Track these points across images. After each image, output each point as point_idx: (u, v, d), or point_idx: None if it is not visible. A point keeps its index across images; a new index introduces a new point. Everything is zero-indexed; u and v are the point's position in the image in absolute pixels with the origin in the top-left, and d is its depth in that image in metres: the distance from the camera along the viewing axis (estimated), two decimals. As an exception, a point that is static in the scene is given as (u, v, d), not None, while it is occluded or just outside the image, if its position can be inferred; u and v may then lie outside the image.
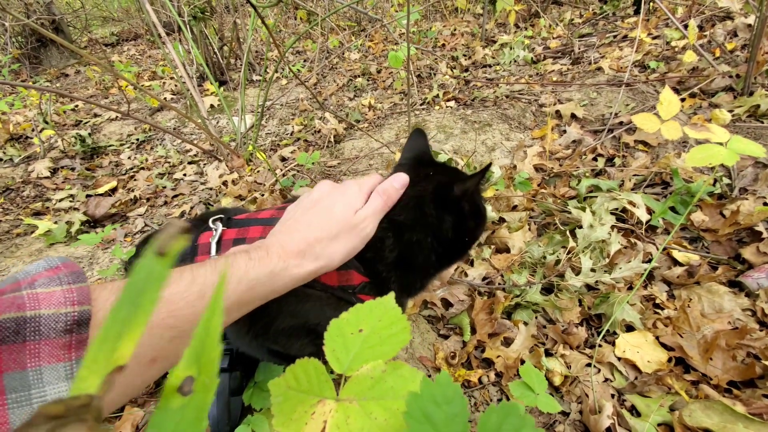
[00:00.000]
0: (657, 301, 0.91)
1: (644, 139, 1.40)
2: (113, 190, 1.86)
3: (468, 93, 2.11)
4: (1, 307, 0.30)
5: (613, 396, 0.77)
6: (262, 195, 1.50)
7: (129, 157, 2.16)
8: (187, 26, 2.15)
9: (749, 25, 1.78)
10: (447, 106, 2.01)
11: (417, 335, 0.93)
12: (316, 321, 0.57)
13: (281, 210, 0.60)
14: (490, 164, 0.57)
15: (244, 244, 0.56)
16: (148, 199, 1.75)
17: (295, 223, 0.51)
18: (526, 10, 3.05)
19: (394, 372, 0.31)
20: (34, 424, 0.08)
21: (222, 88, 2.79)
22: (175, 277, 0.39)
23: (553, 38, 2.58)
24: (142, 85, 3.02)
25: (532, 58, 2.33)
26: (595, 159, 1.40)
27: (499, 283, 1.02)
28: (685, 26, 1.54)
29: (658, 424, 0.70)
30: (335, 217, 0.51)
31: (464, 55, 2.60)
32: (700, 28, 2.03)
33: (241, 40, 3.03)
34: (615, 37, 2.32)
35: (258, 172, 1.71)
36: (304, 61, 3.19)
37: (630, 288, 0.93)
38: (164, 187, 1.81)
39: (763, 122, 1.36)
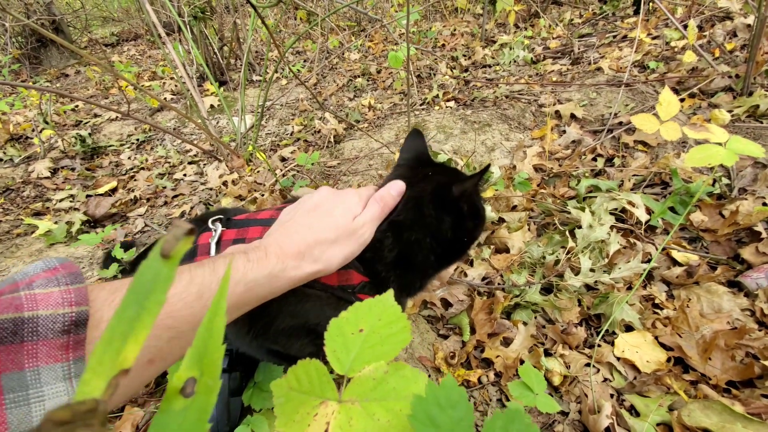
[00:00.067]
0: (656, 301, 0.92)
1: (644, 140, 1.41)
2: (113, 191, 1.86)
3: (468, 93, 2.12)
4: None
5: (612, 396, 0.77)
6: (262, 195, 1.50)
7: (129, 158, 2.16)
8: (187, 26, 2.15)
9: (749, 26, 1.78)
10: (447, 107, 2.01)
11: (416, 335, 0.93)
12: (316, 321, 0.57)
13: (280, 210, 0.60)
14: (488, 165, 0.57)
15: (243, 244, 0.56)
16: (148, 200, 1.75)
17: (295, 225, 0.52)
18: (526, 10, 3.05)
19: (396, 373, 0.31)
20: (42, 430, 0.08)
21: (222, 89, 2.79)
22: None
23: (553, 38, 2.58)
24: (142, 86, 3.02)
25: (531, 58, 2.33)
26: (594, 159, 1.40)
27: (499, 283, 1.02)
28: (685, 26, 1.54)
29: (657, 424, 0.70)
30: (334, 222, 0.52)
31: (464, 56, 2.60)
32: (700, 28, 2.03)
33: (241, 40, 3.03)
34: (615, 37, 2.32)
35: (258, 172, 1.71)
36: (304, 61, 3.19)
37: (629, 288, 0.93)
38: (164, 188, 1.81)
39: (762, 122, 1.36)
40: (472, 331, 0.92)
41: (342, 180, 1.62)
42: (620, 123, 1.53)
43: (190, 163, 2.02)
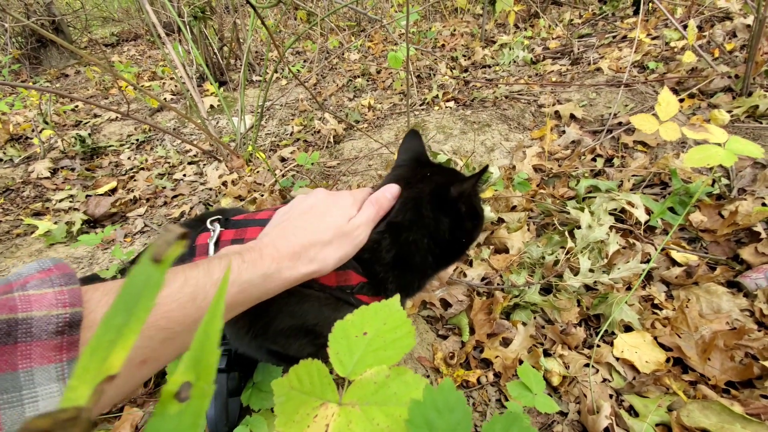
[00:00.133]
0: (655, 302, 0.92)
1: (643, 140, 1.41)
2: (113, 191, 1.86)
3: (467, 93, 2.12)
4: None
5: (611, 396, 0.77)
6: (262, 195, 1.50)
7: (129, 158, 2.16)
8: (187, 27, 2.15)
9: (748, 26, 1.78)
10: (446, 107, 2.01)
11: (416, 335, 0.93)
12: (315, 321, 0.57)
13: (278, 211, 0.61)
14: (486, 166, 0.57)
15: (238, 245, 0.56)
16: (147, 200, 1.75)
17: (290, 227, 0.52)
18: (526, 10, 3.05)
19: (397, 378, 0.31)
20: None
21: (222, 89, 2.79)
22: (167, 279, 0.39)
23: (553, 39, 2.58)
24: (142, 86, 3.02)
25: (531, 58, 2.33)
26: (594, 159, 1.40)
27: (498, 284, 1.02)
28: (684, 27, 1.54)
29: (656, 425, 0.70)
30: (330, 223, 0.52)
31: (464, 56, 2.60)
32: (699, 28, 2.03)
33: (241, 40, 3.03)
34: (614, 37, 2.32)
35: (257, 172, 1.71)
36: (304, 61, 3.19)
37: (628, 288, 0.93)
38: (164, 188, 1.81)
39: (761, 122, 1.36)
40: (472, 331, 0.92)
41: (341, 180, 1.62)
42: (620, 123, 1.53)
43: (189, 163, 2.02)
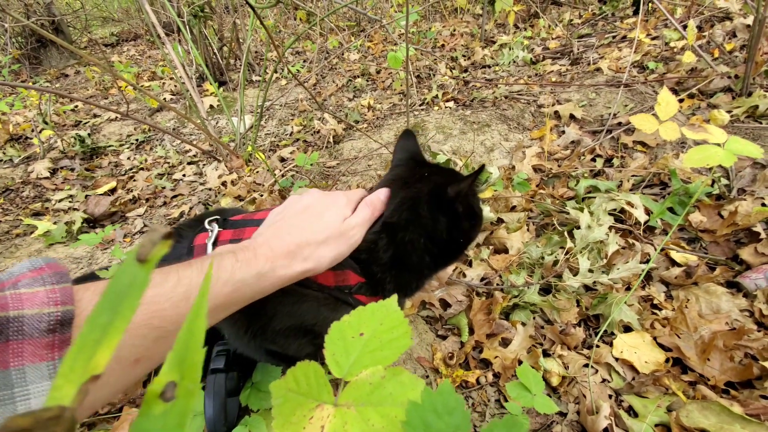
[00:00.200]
0: (655, 302, 0.91)
1: (643, 140, 1.40)
2: (113, 191, 1.86)
3: (467, 93, 2.11)
4: None
5: (610, 396, 0.77)
6: (261, 195, 1.50)
7: (128, 158, 2.16)
8: (187, 27, 2.15)
9: (748, 26, 1.78)
10: (446, 107, 2.01)
11: (415, 336, 0.93)
12: (314, 321, 0.57)
13: None
14: (483, 166, 0.57)
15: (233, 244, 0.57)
16: (147, 200, 1.75)
17: (285, 226, 0.52)
18: (526, 10, 3.05)
19: (393, 378, 0.30)
20: None
21: (221, 89, 2.79)
22: (160, 278, 0.39)
23: (552, 39, 2.58)
24: (142, 86, 3.02)
25: (531, 58, 2.33)
26: (593, 160, 1.40)
27: (498, 284, 1.02)
28: (684, 27, 1.54)
29: (656, 425, 0.70)
30: (325, 223, 0.53)
31: (463, 56, 2.60)
32: (699, 28, 2.03)
33: (241, 40, 3.03)
34: (614, 37, 2.32)
35: (257, 172, 1.71)
36: (304, 61, 3.19)
37: (628, 288, 0.93)
38: (163, 188, 1.81)
39: (761, 123, 1.36)
40: (471, 331, 0.92)
41: (341, 180, 1.62)
42: (619, 123, 1.53)
43: (189, 163, 2.02)
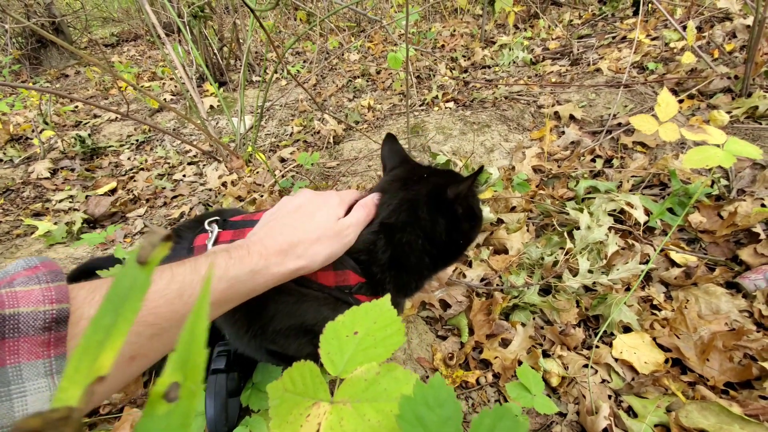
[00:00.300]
0: (654, 303, 0.92)
1: (642, 141, 1.41)
2: (113, 191, 1.86)
3: (467, 94, 2.12)
4: None
5: (610, 397, 0.77)
6: (262, 196, 1.50)
7: (129, 158, 2.17)
8: (187, 27, 2.16)
9: (748, 27, 1.78)
10: (446, 107, 2.01)
11: (415, 336, 0.93)
12: (314, 321, 0.57)
13: None
14: (482, 167, 0.58)
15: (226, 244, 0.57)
16: (147, 200, 1.75)
17: (278, 225, 0.53)
18: (525, 11, 3.05)
19: (387, 374, 0.31)
20: None
21: (221, 89, 2.79)
22: (154, 276, 0.39)
23: (552, 39, 2.58)
24: (142, 86, 3.02)
25: (531, 59, 2.33)
26: (593, 160, 1.40)
27: (497, 285, 1.02)
28: (684, 27, 1.54)
29: (655, 425, 0.70)
30: (316, 222, 0.53)
31: (463, 56, 2.60)
32: (699, 29, 2.03)
33: (241, 41, 3.03)
34: (614, 38, 2.32)
35: (257, 173, 1.71)
36: (304, 61, 3.19)
37: (627, 289, 0.93)
38: (164, 188, 1.81)
39: (761, 123, 1.36)
40: (471, 332, 0.92)
41: (341, 181, 1.62)
42: (619, 124, 1.53)
43: (189, 163, 2.02)
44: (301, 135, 2.07)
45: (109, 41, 5.04)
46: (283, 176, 1.67)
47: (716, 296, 0.88)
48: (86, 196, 1.79)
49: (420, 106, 2.10)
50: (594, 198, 1.14)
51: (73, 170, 2.09)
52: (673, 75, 1.73)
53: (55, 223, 1.57)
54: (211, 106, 2.52)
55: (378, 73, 2.71)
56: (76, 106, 2.86)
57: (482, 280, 1.04)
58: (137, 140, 2.33)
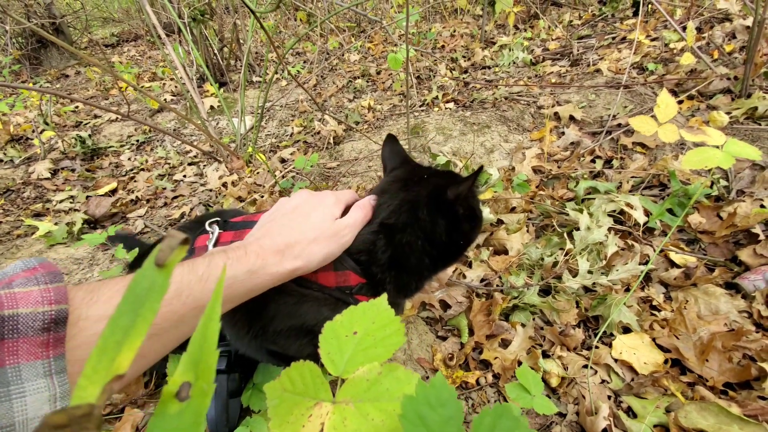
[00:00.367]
0: (654, 303, 0.92)
1: (642, 141, 1.41)
2: (113, 192, 1.86)
3: (467, 94, 2.12)
4: None
5: (609, 397, 0.78)
6: (262, 197, 1.51)
7: (129, 159, 2.17)
8: (187, 28, 2.16)
9: (748, 27, 1.79)
10: (446, 108, 2.02)
11: (415, 337, 0.94)
12: (314, 322, 0.57)
13: None
14: (481, 167, 0.58)
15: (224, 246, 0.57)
16: (148, 201, 1.75)
17: (275, 226, 0.53)
18: (525, 11, 3.06)
19: (389, 374, 0.31)
20: None
21: (222, 90, 2.79)
22: None
23: (552, 40, 2.58)
24: (142, 87, 3.03)
25: (531, 59, 2.34)
26: (593, 161, 1.41)
27: (497, 285, 1.02)
28: (684, 28, 1.55)
29: (654, 426, 0.71)
30: (312, 222, 0.54)
31: (463, 57, 2.60)
32: (699, 30, 2.04)
33: (241, 41, 3.03)
34: (614, 38, 2.32)
35: (258, 173, 1.71)
36: (304, 62, 3.20)
37: (627, 290, 0.94)
38: (164, 189, 1.81)
39: (760, 124, 1.37)
40: (471, 332, 0.92)
41: (341, 181, 1.62)
42: (619, 125, 1.54)
43: (189, 164, 2.02)
44: (302, 135, 2.07)
45: (109, 41, 5.04)
46: (283, 177, 1.67)
47: (715, 297, 0.88)
48: (87, 197, 1.79)
49: (420, 106, 2.11)
50: (594, 199, 1.15)
51: (73, 171, 2.09)
52: (672, 76, 1.73)
53: (56, 224, 1.57)
54: (212, 107, 2.52)
55: (378, 73, 2.72)
56: (77, 107, 2.86)
57: (482, 280, 1.04)
58: (138, 141, 2.34)
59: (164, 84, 3.17)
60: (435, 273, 0.66)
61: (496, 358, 0.86)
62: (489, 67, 2.44)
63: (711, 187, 1.15)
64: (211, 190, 1.73)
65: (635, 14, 2.54)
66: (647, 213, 1.08)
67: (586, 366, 0.82)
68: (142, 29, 4.65)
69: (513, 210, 1.25)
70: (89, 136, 2.29)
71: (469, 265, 1.08)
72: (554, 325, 0.91)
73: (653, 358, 0.81)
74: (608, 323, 0.86)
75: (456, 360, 0.87)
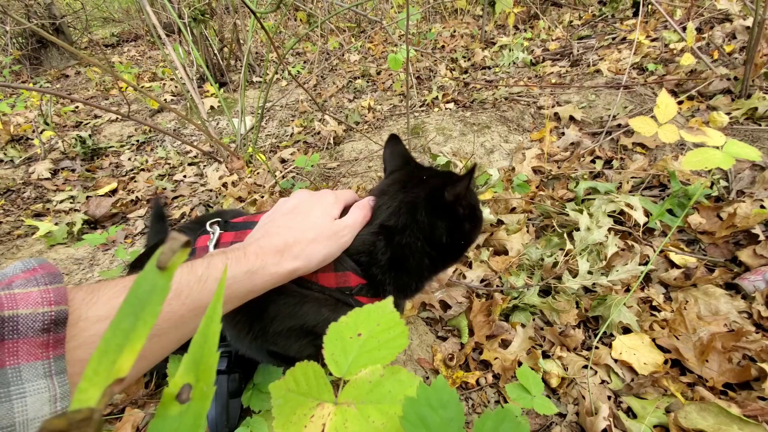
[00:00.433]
0: (654, 304, 0.92)
1: (642, 142, 1.41)
2: (113, 192, 1.86)
3: (467, 95, 2.12)
4: None
5: (609, 398, 0.78)
6: (262, 197, 1.51)
7: (129, 159, 2.17)
8: (187, 28, 2.16)
9: (748, 28, 1.79)
10: (446, 108, 2.02)
11: (415, 337, 0.94)
12: (315, 322, 0.57)
13: None
14: (475, 165, 0.58)
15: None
16: (148, 201, 1.75)
17: (274, 227, 0.53)
18: (526, 11, 3.06)
19: (392, 376, 0.31)
20: None
21: (222, 90, 2.79)
22: None
23: (552, 40, 2.58)
24: (142, 87, 3.03)
25: (531, 60, 2.34)
26: (593, 161, 1.41)
27: (497, 286, 1.02)
28: (684, 29, 1.55)
29: (654, 426, 0.71)
30: (311, 222, 0.54)
31: (463, 57, 2.61)
32: (699, 30, 2.04)
33: (241, 41, 3.04)
34: (614, 39, 2.32)
35: (258, 173, 1.71)
36: (304, 62, 3.20)
37: (627, 290, 0.94)
38: (164, 189, 1.81)
39: (760, 125, 1.37)
40: (471, 333, 0.92)
41: (342, 182, 1.62)
42: (619, 125, 1.54)
43: (190, 164, 2.02)
44: (302, 136, 2.07)
45: (109, 41, 5.04)
46: (283, 177, 1.67)
47: (715, 297, 0.88)
48: (87, 197, 1.79)
49: (420, 106, 2.11)
50: (594, 199, 1.15)
51: (73, 171, 2.09)
52: (672, 76, 1.74)
53: (56, 224, 1.57)
54: (212, 107, 2.52)
55: (378, 73, 2.72)
56: (77, 107, 2.86)
57: (482, 281, 1.04)
58: (138, 141, 2.34)
59: (164, 84, 3.17)
60: (435, 273, 0.66)
61: (496, 358, 0.86)
62: (489, 68, 2.44)
63: (711, 187, 1.15)
64: (211, 191, 1.73)
65: (635, 14, 2.54)
66: (647, 213, 1.08)
67: (586, 366, 0.82)
68: (142, 29, 4.65)
69: (513, 210, 1.25)
70: (89, 136, 2.29)
71: (469, 266, 1.08)
72: (554, 326, 0.91)
73: (653, 359, 0.81)
74: (608, 324, 0.86)
75: (456, 360, 0.87)
